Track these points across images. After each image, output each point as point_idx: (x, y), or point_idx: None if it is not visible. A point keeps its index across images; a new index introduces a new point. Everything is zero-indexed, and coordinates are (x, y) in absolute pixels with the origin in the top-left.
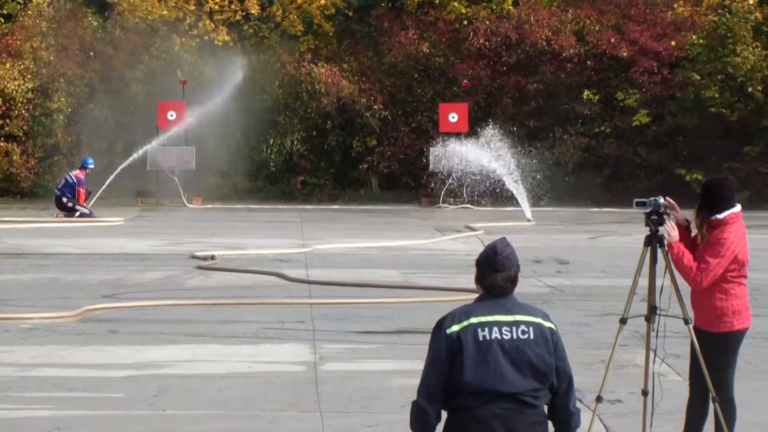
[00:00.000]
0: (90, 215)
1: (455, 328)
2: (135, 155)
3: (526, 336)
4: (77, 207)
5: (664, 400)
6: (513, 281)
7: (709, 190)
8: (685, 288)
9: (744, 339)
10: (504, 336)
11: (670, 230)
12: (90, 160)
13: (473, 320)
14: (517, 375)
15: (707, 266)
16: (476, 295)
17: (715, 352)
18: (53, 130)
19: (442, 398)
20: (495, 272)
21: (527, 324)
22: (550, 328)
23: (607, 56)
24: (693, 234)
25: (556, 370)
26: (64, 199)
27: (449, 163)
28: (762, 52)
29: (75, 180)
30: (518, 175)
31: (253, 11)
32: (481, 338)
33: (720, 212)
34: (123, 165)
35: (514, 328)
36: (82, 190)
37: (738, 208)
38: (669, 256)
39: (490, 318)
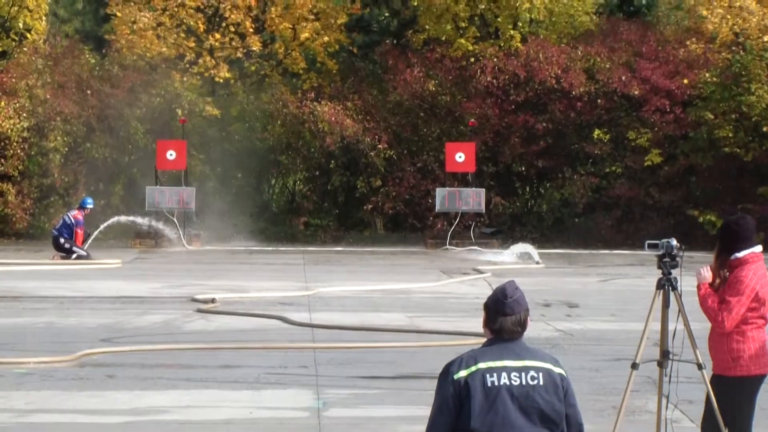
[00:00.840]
0: (87, 257)
1: (463, 373)
2: (140, 220)
3: (535, 382)
4: (74, 248)
5: None
6: (522, 325)
7: (728, 229)
8: (699, 333)
9: (762, 386)
10: (513, 382)
11: (704, 272)
12: (89, 200)
13: (481, 365)
14: (527, 422)
15: (728, 306)
16: (484, 340)
17: (732, 398)
18: (49, 169)
19: None
20: (504, 316)
21: (537, 369)
22: (560, 374)
23: (618, 94)
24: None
25: (567, 417)
26: (62, 240)
27: None
28: None
29: (73, 221)
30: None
31: (254, 48)
32: (489, 384)
33: (739, 251)
34: (129, 218)
35: (523, 374)
36: (80, 231)
37: (759, 248)
38: (697, 295)
39: (498, 363)
